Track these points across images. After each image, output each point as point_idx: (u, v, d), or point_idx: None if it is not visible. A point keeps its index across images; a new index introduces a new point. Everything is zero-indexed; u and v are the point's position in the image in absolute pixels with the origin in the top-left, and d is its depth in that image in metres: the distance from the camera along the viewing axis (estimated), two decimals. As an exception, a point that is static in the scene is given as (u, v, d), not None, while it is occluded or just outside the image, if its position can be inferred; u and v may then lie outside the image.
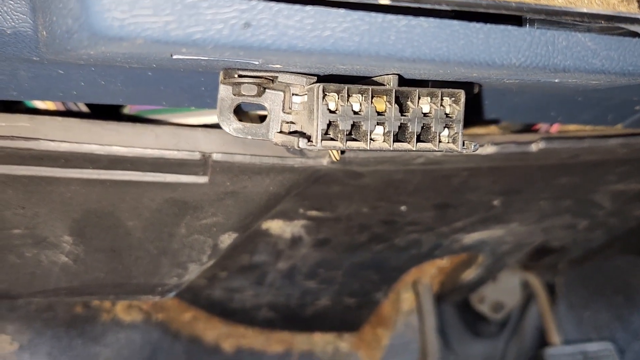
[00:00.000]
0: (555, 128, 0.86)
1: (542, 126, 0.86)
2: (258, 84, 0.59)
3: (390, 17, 0.41)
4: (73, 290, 0.85)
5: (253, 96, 0.61)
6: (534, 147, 0.79)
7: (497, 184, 0.89)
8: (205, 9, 0.39)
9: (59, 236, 0.78)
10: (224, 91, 0.61)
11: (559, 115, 0.79)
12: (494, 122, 0.81)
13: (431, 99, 0.55)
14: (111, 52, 0.45)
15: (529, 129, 0.88)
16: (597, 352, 1.36)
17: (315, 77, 0.57)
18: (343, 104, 0.53)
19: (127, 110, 0.76)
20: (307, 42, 0.41)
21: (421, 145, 0.55)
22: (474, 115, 0.76)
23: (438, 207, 0.93)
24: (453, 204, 0.93)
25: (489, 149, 0.77)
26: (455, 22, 0.42)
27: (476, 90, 0.64)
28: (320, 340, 1.31)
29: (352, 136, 0.55)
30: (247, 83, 0.59)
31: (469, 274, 1.28)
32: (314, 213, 0.90)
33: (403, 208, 0.92)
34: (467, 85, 0.63)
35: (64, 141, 0.68)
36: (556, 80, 0.54)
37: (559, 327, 1.44)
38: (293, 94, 0.60)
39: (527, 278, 1.48)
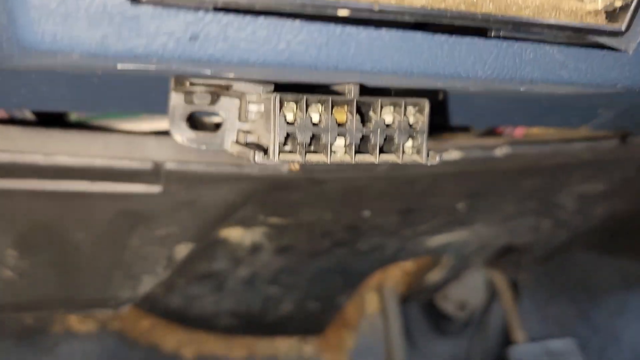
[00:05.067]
0: (519, 130, 0.85)
1: (506, 128, 0.85)
2: (212, 92, 0.56)
3: (349, 28, 0.38)
4: (20, 306, 0.81)
5: (207, 104, 0.57)
6: (498, 152, 0.77)
7: (462, 188, 0.88)
8: (147, 21, 0.35)
9: (2, 250, 0.74)
10: (176, 99, 0.57)
11: (524, 118, 0.78)
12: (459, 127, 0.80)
13: (394, 108, 0.53)
14: (47, 64, 0.41)
15: (492, 130, 0.86)
16: (560, 348, 1.37)
17: (272, 85, 0.53)
18: (301, 115, 0.50)
19: (76, 115, 0.72)
20: (260, 55, 0.38)
21: (384, 157, 0.52)
22: (437, 119, 0.74)
23: (402, 212, 0.91)
24: (417, 208, 0.91)
25: (453, 154, 0.75)
26: (418, 34, 0.40)
27: (441, 97, 0.62)
28: (284, 345, 1.29)
29: (312, 148, 0.52)
30: (200, 91, 0.56)
31: (434, 275, 1.28)
32: (274, 220, 0.87)
33: (366, 213, 0.89)
34: (431, 93, 0.60)
35: (5, 151, 0.63)
36: (522, 89, 0.52)
37: (522, 324, 1.45)
38: (249, 102, 0.56)
39: (491, 276, 1.48)
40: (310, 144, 0.51)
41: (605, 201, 1.11)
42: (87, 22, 0.35)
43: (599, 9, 0.43)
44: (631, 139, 0.85)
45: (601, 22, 0.44)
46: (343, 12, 0.38)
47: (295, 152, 0.51)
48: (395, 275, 1.28)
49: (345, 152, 0.52)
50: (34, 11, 0.34)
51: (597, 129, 0.82)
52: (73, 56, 0.36)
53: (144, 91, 0.61)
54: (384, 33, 0.39)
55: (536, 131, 0.85)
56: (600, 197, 1.06)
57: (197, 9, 0.36)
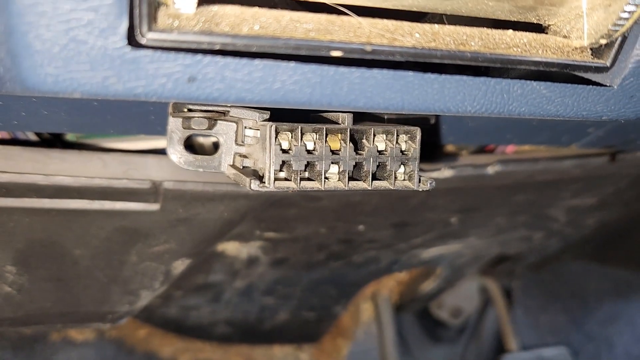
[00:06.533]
0: (510, 148, 0.86)
1: (498, 146, 0.86)
2: (209, 117, 0.57)
3: (342, 69, 0.40)
4: (18, 320, 0.82)
5: (204, 129, 0.58)
6: (490, 170, 0.79)
7: (455, 203, 0.89)
8: (146, 63, 0.36)
9: (1, 266, 0.75)
10: (174, 124, 0.59)
11: (515, 137, 0.79)
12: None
13: (387, 136, 0.54)
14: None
15: (484, 148, 0.88)
16: (553, 356, 1.39)
17: (268, 112, 0.55)
18: (296, 144, 0.51)
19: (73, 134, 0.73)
20: (256, 94, 0.39)
21: (377, 183, 0.54)
22: (430, 139, 0.75)
23: (396, 226, 0.93)
24: (411, 222, 0.93)
25: (446, 173, 0.77)
26: (409, 73, 0.41)
27: (433, 121, 0.63)
28: (280, 352, 1.30)
29: (307, 175, 0.53)
30: (198, 117, 0.57)
31: (428, 285, 1.29)
32: (270, 234, 0.88)
33: (361, 227, 0.91)
34: (423, 118, 0.62)
35: (5, 172, 0.64)
36: (511, 117, 0.54)
37: (516, 331, 1.46)
38: (246, 127, 0.58)
39: (485, 283, 1.50)
40: (304, 170, 0.53)
41: (597, 212, 1.12)
42: (88, 65, 0.36)
43: (585, 45, 0.45)
44: (621, 156, 0.86)
45: (587, 58, 0.45)
46: (336, 53, 0.39)
47: (290, 179, 0.52)
48: (389, 285, 1.30)
49: (339, 179, 0.53)
50: (37, 55, 0.35)
51: (587, 147, 0.84)
52: (74, 95, 0.38)
53: (143, 114, 0.63)
54: (376, 72, 0.40)
55: (527, 148, 0.86)
56: (591, 209, 1.08)
57: (195, 52, 0.37)
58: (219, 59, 0.37)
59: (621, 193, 1.01)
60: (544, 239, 1.19)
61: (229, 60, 0.37)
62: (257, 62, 0.38)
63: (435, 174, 0.77)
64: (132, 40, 0.36)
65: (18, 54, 0.35)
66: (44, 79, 0.36)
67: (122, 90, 0.37)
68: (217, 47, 0.37)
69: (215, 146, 0.70)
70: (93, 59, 0.36)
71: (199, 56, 0.37)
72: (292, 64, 0.39)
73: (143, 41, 0.36)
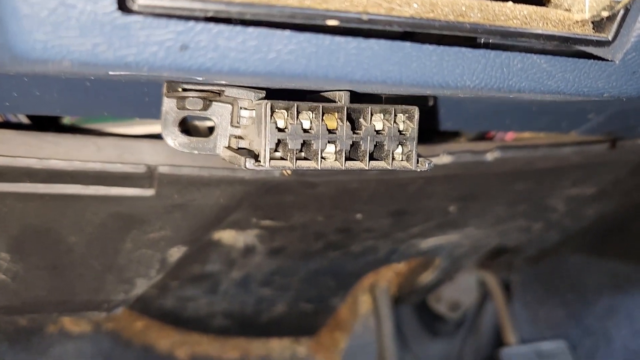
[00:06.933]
0: (510, 135, 0.86)
1: (497, 133, 0.86)
2: (203, 98, 0.56)
3: (338, 39, 0.39)
4: (12, 309, 0.81)
5: (199, 110, 0.58)
6: (489, 157, 0.78)
7: (453, 191, 0.89)
8: (137, 30, 0.36)
9: (-5, 253, 0.74)
10: (168, 104, 0.58)
11: (514, 123, 0.79)
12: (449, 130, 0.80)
13: (384, 115, 0.53)
14: (38, 70, 0.42)
15: (483, 135, 0.87)
16: (551, 350, 1.38)
17: (264, 92, 0.54)
18: (292, 122, 0.50)
19: (68, 118, 0.72)
20: (250, 64, 0.38)
21: (374, 163, 0.53)
22: (428, 124, 0.74)
23: (394, 214, 0.92)
24: (409, 210, 0.92)
25: (444, 159, 0.76)
26: (407, 44, 0.40)
27: (431, 103, 0.63)
28: (277, 346, 1.29)
29: (303, 154, 0.53)
30: (192, 97, 0.56)
31: (427, 277, 1.28)
32: (267, 222, 0.87)
33: (359, 216, 0.90)
34: (421, 98, 0.61)
35: (-2, 155, 0.63)
36: (511, 96, 0.53)
37: (514, 325, 1.45)
38: (241, 108, 0.57)
39: (483, 276, 1.49)
40: (301, 150, 0.52)
41: (596, 203, 1.11)
42: (77, 31, 0.35)
43: (586, 19, 0.44)
44: (621, 143, 0.86)
45: (588, 32, 0.44)
46: (332, 22, 0.38)
47: (286, 158, 0.52)
48: (387, 277, 1.29)
49: (336, 159, 0.52)
50: (25, 20, 0.34)
51: (586, 134, 0.83)
52: (64, 64, 0.37)
53: (137, 96, 0.62)
54: (373, 43, 0.39)
55: (527, 135, 0.86)
56: (590, 199, 1.07)
57: (187, 18, 0.36)
58: (212, 26, 0.36)
59: (621, 182, 1.00)
60: (543, 230, 1.18)
61: (223, 27, 0.37)
62: (251, 30, 0.37)
63: (433, 160, 0.76)
64: (122, 5, 0.35)
65: (5, 19, 0.34)
66: (33, 45, 0.35)
67: (112, 59, 0.36)
68: (210, 14, 0.36)
69: (211, 130, 0.69)
70: (82, 25, 0.35)
71: (192, 23, 0.36)
72: (287, 32, 0.38)
73: (134, 6, 0.35)
